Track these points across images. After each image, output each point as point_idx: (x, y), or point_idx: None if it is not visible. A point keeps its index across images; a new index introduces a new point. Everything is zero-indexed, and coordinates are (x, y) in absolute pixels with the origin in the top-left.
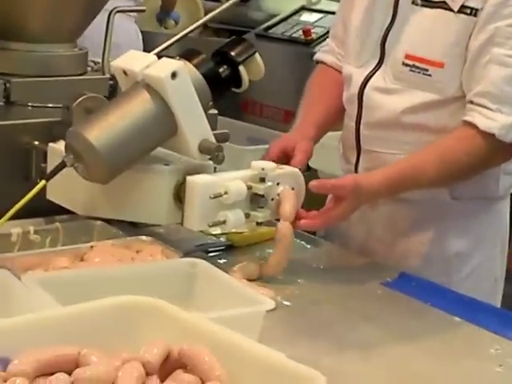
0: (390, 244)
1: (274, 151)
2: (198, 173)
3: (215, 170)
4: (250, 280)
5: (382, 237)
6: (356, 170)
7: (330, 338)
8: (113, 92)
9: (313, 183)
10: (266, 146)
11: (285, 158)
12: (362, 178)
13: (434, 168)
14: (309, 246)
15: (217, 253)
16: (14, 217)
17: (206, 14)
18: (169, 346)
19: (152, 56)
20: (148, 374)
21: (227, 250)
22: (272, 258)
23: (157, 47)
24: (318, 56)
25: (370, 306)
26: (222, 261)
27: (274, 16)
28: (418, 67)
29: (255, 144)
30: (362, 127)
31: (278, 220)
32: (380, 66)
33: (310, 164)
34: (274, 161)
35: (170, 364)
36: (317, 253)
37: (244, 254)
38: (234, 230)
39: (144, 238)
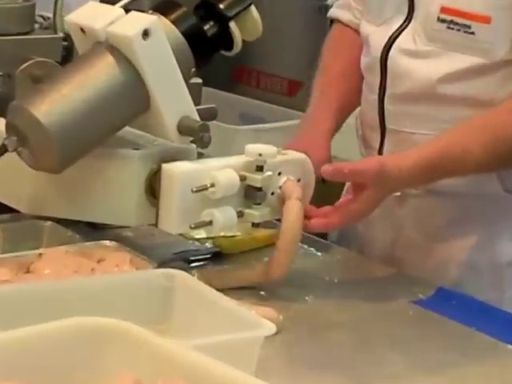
0: (423, 250)
1: None
2: (177, 159)
3: (199, 156)
4: (242, 288)
5: (414, 240)
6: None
7: (346, 372)
8: (67, 56)
9: (326, 168)
10: (265, 126)
11: None
12: (389, 161)
13: (482, 148)
14: (319, 254)
15: (201, 262)
16: None
17: None
18: (139, 381)
19: (118, 9)
20: None
21: (214, 259)
22: (274, 257)
23: None
24: (332, 12)
25: (398, 331)
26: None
27: None
28: (457, 23)
29: (251, 123)
30: (386, 101)
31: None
32: (408, 24)
33: None
34: None
35: None
36: (329, 262)
37: (235, 263)
38: (222, 234)
39: (107, 243)
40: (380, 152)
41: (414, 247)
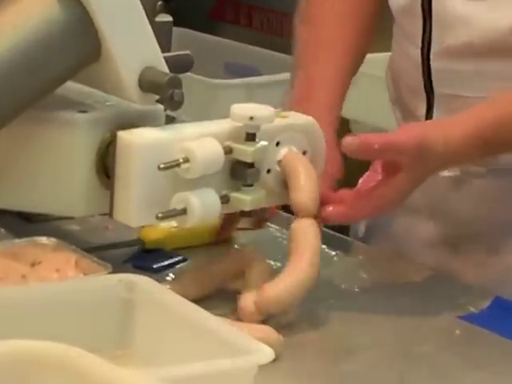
0: (485, 251)
1: None
2: (138, 125)
3: (169, 122)
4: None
5: (464, 235)
6: None
7: None
8: None
9: (350, 141)
10: (258, 79)
11: None
12: (433, 131)
13: None
14: (335, 254)
15: (173, 266)
16: None
17: None
18: None
19: None
20: None
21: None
22: (273, 284)
23: None
24: None
25: (440, 358)
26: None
27: None
28: None
29: (239, 75)
30: (433, 57)
31: (284, 208)
32: None
33: None
34: None
35: None
36: (348, 264)
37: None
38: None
39: (44, 240)
40: None
41: (464, 245)
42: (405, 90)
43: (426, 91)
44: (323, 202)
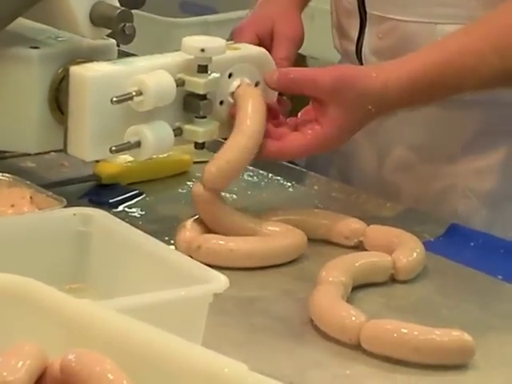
0: (416, 174)
1: (243, 41)
2: (91, 60)
3: (121, 55)
4: None
5: (408, 161)
6: (358, 50)
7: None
8: None
9: (270, 73)
10: (214, 17)
11: None
12: (363, 72)
13: (499, 54)
14: (290, 185)
15: (129, 200)
16: None
17: None
18: (45, 356)
19: None
20: None
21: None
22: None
23: None
24: None
25: (397, 283)
26: (136, 212)
27: None
28: None
29: (194, 13)
30: None
31: None
32: None
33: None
34: None
35: None
36: (304, 194)
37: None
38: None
39: None
40: (358, 45)
41: (408, 171)
42: (342, 14)
43: (360, 13)
44: (269, 136)
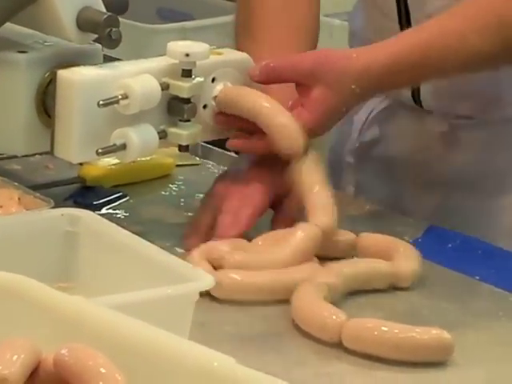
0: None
1: None
2: (78, 64)
3: (105, 60)
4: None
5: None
6: None
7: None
8: None
9: (252, 69)
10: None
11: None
12: (343, 52)
13: (480, 35)
14: None
15: (113, 202)
16: None
17: None
18: (38, 350)
19: None
20: None
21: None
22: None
23: None
24: None
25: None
26: (120, 214)
27: None
28: None
29: (172, 20)
30: None
31: (217, 143)
32: None
33: None
34: None
35: (40, 380)
36: None
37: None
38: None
39: None
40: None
41: (473, 199)
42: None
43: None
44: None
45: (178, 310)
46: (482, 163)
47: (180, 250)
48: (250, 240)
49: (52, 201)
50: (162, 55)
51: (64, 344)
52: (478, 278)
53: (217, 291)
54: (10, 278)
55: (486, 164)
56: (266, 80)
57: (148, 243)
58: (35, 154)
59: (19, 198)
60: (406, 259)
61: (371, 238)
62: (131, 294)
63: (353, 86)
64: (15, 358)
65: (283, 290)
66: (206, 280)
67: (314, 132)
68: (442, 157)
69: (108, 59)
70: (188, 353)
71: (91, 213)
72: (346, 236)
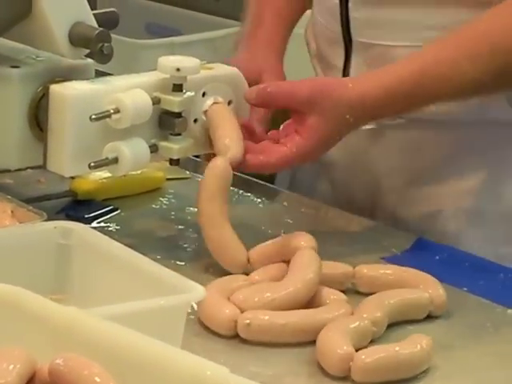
0: (407, 196)
1: None
2: (70, 79)
3: (96, 75)
4: None
5: (394, 185)
6: None
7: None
8: None
9: (249, 90)
10: (180, 39)
11: None
12: (339, 82)
13: (473, 62)
14: (260, 201)
15: (105, 216)
16: None
17: None
18: (33, 360)
19: None
20: None
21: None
22: None
23: None
24: None
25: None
26: (111, 227)
27: None
28: None
29: (160, 35)
30: (351, 6)
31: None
32: None
33: None
34: None
35: None
36: (274, 210)
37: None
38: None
39: None
40: (345, 73)
41: (394, 193)
42: (324, 43)
43: (345, 41)
44: (245, 151)
45: (171, 321)
46: (405, 161)
47: (180, 263)
48: None
49: (45, 214)
50: (152, 70)
51: (59, 354)
52: (465, 289)
53: (245, 332)
54: (5, 289)
55: (410, 163)
56: (261, 104)
57: (140, 255)
58: (27, 168)
59: (12, 211)
60: (434, 288)
61: (369, 270)
62: (124, 304)
63: (347, 116)
64: (11, 367)
65: (312, 330)
66: (198, 292)
67: (306, 158)
68: (368, 154)
69: (99, 74)
70: (182, 362)
71: (84, 225)
72: (343, 269)
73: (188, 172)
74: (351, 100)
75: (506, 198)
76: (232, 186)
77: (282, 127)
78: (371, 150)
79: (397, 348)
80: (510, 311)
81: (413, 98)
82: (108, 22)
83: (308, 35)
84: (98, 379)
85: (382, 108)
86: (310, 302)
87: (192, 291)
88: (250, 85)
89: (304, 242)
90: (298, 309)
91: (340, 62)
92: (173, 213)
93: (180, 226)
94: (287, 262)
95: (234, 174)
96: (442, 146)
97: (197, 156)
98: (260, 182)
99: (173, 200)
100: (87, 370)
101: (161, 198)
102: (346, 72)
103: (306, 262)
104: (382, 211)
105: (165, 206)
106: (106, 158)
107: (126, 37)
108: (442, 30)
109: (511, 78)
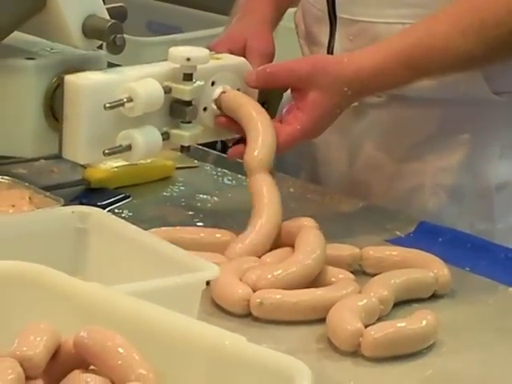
0: (389, 174)
1: None
2: (84, 69)
3: (111, 65)
4: None
5: (377, 162)
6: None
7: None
8: None
9: (249, 73)
10: (181, 36)
11: None
12: (335, 58)
13: (464, 36)
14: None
15: (117, 203)
16: None
17: None
18: (58, 334)
19: None
20: (29, 378)
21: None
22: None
23: None
24: None
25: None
26: (124, 214)
27: None
28: None
29: (161, 33)
30: None
31: (214, 146)
32: None
33: None
34: None
35: (61, 361)
36: (281, 198)
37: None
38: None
39: None
40: (330, 49)
41: (377, 171)
42: (311, 21)
43: (330, 18)
44: None
45: (187, 298)
46: (387, 139)
47: None
48: None
49: (62, 199)
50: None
51: (83, 327)
52: (468, 269)
53: (257, 311)
54: (29, 267)
55: (391, 140)
56: (262, 85)
57: (155, 237)
58: (40, 159)
59: (30, 198)
60: (439, 268)
61: (375, 252)
62: (142, 283)
63: (345, 89)
64: (38, 339)
65: (322, 308)
66: (213, 270)
67: (310, 134)
68: (351, 131)
69: (112, 65)
70: (201, 332)
71: (100, 210)
72: (350, 251)
73: (196, 161)
74: (347, 75)
75: (483, 176)
76: (237, 172)
77: (285, 110)
78: (354, 128)
79: (404, 323)
80: (511, 289)
81: (406, 71)
82: (117, 16)
83: (297, 17)
84: (121, 350)
85: (377, 81)
86: (320, 281)
87: (206, 270)
88: (237, 55)
89: (306, 222)
90: (308, 285)
91: (325, 39)
92: (183, 200)
93: (190, 212)
94: (292, 246)
95: (238, 161)
96: (421, 123)
97: (205, 145)
98: None
99: (182, 188)
100: (111, 341)
101: (171, 186)
102: (330, 48)
103: (312, 239)
104: (365, 188)
105: (175, 194)
106: (120, 146)
107: (127, 34)
108: (422, 8)
109: (502, 51)
